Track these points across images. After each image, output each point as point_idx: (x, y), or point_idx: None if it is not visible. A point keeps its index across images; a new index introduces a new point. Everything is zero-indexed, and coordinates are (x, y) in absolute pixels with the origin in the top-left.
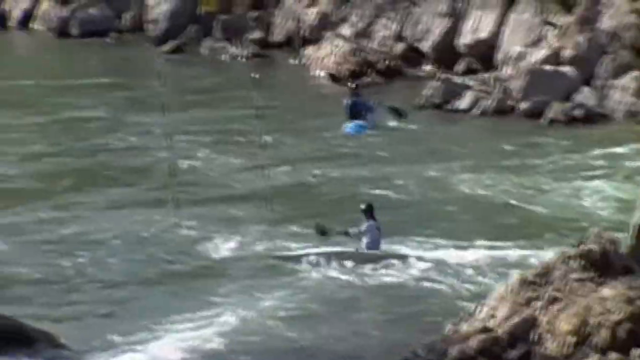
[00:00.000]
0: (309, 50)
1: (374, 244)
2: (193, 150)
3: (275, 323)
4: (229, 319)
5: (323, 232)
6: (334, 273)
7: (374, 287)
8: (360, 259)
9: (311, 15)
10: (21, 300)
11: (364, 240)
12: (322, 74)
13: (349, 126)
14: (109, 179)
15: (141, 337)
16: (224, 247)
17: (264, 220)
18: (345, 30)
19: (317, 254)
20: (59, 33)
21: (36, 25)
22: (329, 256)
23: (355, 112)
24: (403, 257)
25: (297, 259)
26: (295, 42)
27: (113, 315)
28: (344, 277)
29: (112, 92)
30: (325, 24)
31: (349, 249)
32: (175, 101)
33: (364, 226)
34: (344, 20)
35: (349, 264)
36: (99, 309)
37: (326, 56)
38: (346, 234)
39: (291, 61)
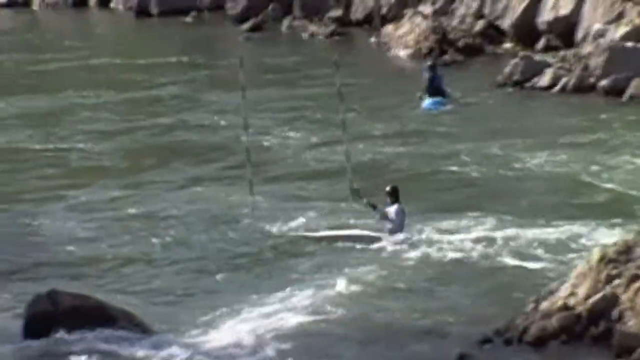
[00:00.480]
0: (389, 29)
1: (399, 228)
2: (270, 128)
3: (354, 300)
4: (308, 296)
5: (357, 194)
6: (408, 252)
7: (449, 264)
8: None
9: None
10: (100, 279)
11: (389, 224)
12: (402, 52)
13: (427, 102)
14: (186, 157)
15: (220, 316)
16: (298, 225)
17: (339, 197)
18: (425, 8)
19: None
20: (138, 12)
21: (115, 4)
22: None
23: (434, 87)
24: (477, 235)
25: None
26: (375, 20)
27: (191, 295)
28: (416, 254)
29: (191, 70)
30: (405, 2)
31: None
32: (254, 79)
33: (392, 210)
34: None
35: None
36: (177, 288)
37: (406, 34)
38: (374, 207)
39: (371, 39)
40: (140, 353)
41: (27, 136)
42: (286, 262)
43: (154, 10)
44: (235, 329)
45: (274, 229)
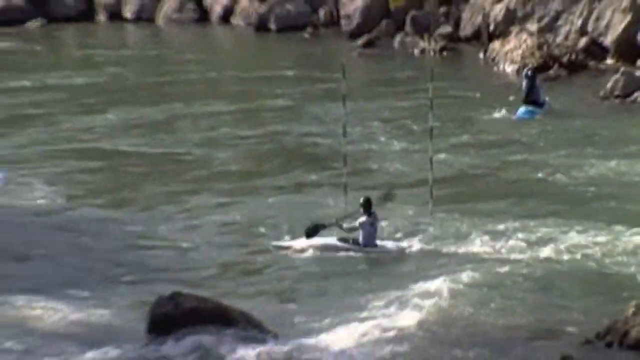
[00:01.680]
0: (496, 44)
1: (368, 240)
2: (369, 138)
3: (457, 302)
4: (415, 299)
5: (310, 234)
6: (504, 258)
7: (547, 270)
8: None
9: (498, 10)
10: (217, 282)
11: (360, 236)
12: (508, 67)
13: (521, 111)
14: (289, 164)
15: (333, 318)
16: (388, 232)
17: (424, 205)
18: (531, 25)
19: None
20: (258, 27)
21: (236, 20)
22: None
23: (531, 96)
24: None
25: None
26: (483, 37)
27: (304, 297)
28: (513, 258)
29: (305, 83)
30: (512, 19)
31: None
32: (361, 92)
33: (357, 221)
34: (529, 15)
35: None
36: (290, 291)
37: (512, 50)
38: (339, 226)
39: (479, 55)
40: (258, 353)
41: (145, 143)
42: (389, 265)
43: (273, 26)
44: (348, 330)
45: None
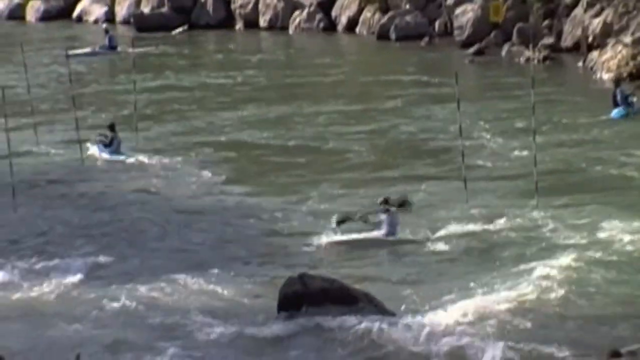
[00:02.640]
0: (594, 54)
1: (390, 231)
2: (479, 137)
3: (565, 283)
4: (526, 281)
5: (340, 222)
6: (602, 247)
7: None
8: None
9: (596, 24)
10: (337, 265)
11: (384, 230)
12: (605, 75)
13: (614, 112)
14: (408, 157)
15: (449, 298)
16: (498, 222)
17: (525, 194)
18: (626, 37)
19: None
20: (379, 36)
21: (360, 29)
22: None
23: (620, 101)
24: None
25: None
26: (582, 47)
27: (422, 278)
28: (610, 248)
29: (420, 86)
30: (609, 32)
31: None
32: (472, 95)
33: (383, 217)
34: (624, 28)
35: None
36: (407, 273)
37: (609, 60)
38: (365, 221)
39: (578, 64)
40: (379, 331)
41: (276, 136)
42: (496, 250)
43: (393, 35)
44: (461, 309)
45: (486, 222)
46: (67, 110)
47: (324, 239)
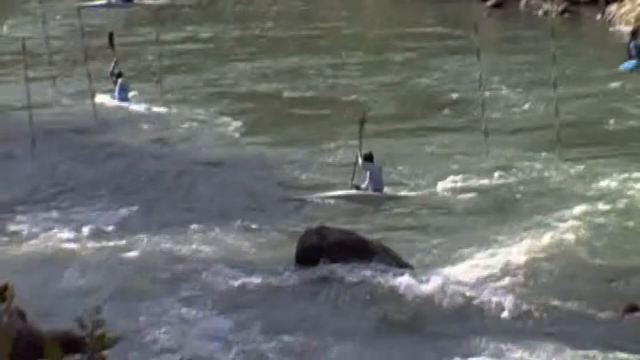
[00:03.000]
0: (613, 7)
1: (377, 185)
2: (499, 88)
3: (581, 243)
4: (542, 237)
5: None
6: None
7: None
8: None
9: None
10: (358, 217)
11: (369, 185)
12: (623, 28)
13: (624, 64)
14: (428, 109)
15: (465, 252)
16: (518, 174)
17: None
18: None
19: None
20: None
21: None
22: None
23: (633, 52)
24: None
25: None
26: (601, 0)
27: (438, 232)
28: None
29: (439, 39)
30: None
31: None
32: (491, 47)
33: (367, 173)
34: None
35: None
36: (424, 226)
37: (627, 12)
38: (357, 187)
39: (597, 16)
40: (396, 283)
41: (293, 87)
42: (523, 200)
43: None
44: (481, 262)
45: (506, 173)
46: (82, 62)
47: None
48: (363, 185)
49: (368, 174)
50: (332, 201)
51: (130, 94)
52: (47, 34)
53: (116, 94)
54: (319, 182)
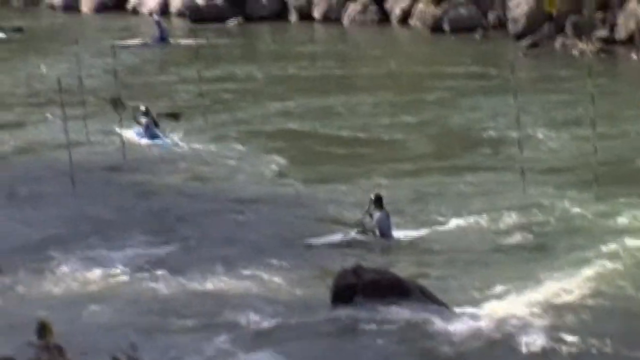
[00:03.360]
0: None
1: (386, 231)
2: (535, 127)
3: (622, 280)
4: (583, 274)
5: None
6: None
7: None
8: None
9: None
10: (389, 257)
11: (376, 229)
12: None
13: None
14: (463, 148)
15: (502, 290)
16: (555, 213)
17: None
18: None
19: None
20: (433, 29)
21: (413, 22)
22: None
23: None
24: None
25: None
26: (636, 39)
27: (474, 269)
28: None
29: (475, 78)
30: None
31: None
32: (527, 87)
33: (375, 217)
34: None
35: None
36: (462, 264)
37: None
38: (362, 231)
39: (632, 56)
40: (431, 322)
41: (329, 126)
42: (559, 239)
43: (446, 27)
44: (516, 301)
45: (542, 212)
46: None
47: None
48: (368, 220)
49: (376, 215)
50: (368, 239)
51: (160, 130)
52: (82, 73)
53: (142, 131)
54: (352, 221)
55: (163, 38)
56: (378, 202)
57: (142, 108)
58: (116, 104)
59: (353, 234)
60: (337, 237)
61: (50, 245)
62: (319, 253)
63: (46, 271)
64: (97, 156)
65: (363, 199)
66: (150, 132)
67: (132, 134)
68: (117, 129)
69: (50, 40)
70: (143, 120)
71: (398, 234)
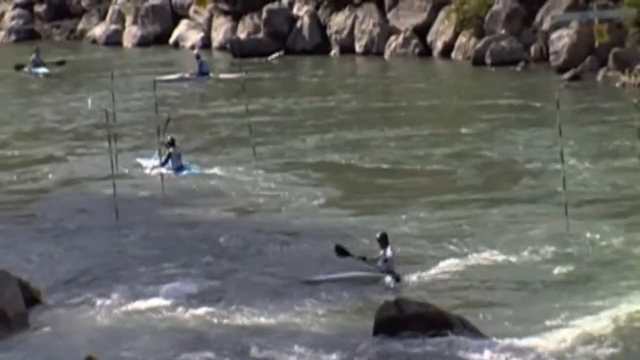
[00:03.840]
0: None
1: (391, 268)
2: (579, 160)
3: None
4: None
5: (339, 251)
6: None
7: None
8: None
9: None
10: (431, 289)
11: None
12: None
13: None
14: (505, 180)
15: (544, 323)
16: (599, 246)
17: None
18: None
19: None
20: (475, 62)
21: (455, 55)
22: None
23: None
24: None
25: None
26: None
27: (514, 302)
28: None
29: (515, 111)
30: None
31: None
32: (570, 120)
33: (381, 253)
34: None
35: None
36: (495, 298)
37: None
38: (364, 259)
39: None
40: (474, 356)
41: (366, 159)
42: (604, 272)
43: (488, 60)
44: (560, 334)
45: (586, 245)
46: (152, 135)
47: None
48: (379, 263)
49: (388, 254)
50: (409, 271)
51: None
52: (122, 107)
53: (169, 164)
54: (407, 251)
55: (203, 72)
56: (383, 240)
57: (169, 138)
58: (167, 122)
59: (359, 272)
60: (344, 275)
61: (93, 278)
62: (360, 286)
63: (89, 303)
64: (139, 188)
65: (403, 231)
66: (176, 163)
67: (156, 164)
68: (151, 161)
69: (91, 74)
70: (170, 150)
71: (442, 265)
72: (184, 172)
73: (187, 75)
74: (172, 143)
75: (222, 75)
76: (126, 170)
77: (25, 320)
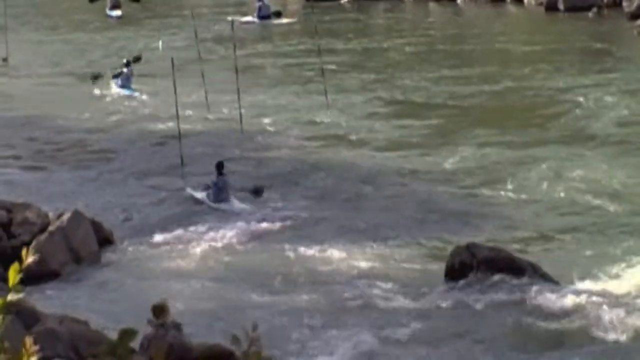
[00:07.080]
0: None
1: (222, 197)
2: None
3: None
4: None
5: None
6: None
7: None
8: None
9: None
10: (502, 234)
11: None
12: None
13: None
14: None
15: (612, 268)
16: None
17: None
18: None
19: None
20: (547, 7)
21: (528, 0)
22: None
23: None
24: None
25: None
26: None
27: (579, 247)
28: None
29: (587, 56)
30: None
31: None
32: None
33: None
34: None
35: None
36: (566, 241)
37: None
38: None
39: None
40: (545, 301)
41: (449, 96)
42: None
43: (561, 6)
44: (632, 280)
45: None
46: (230, 79)
47: None
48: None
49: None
50: (479, 217)
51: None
52: (199, 48)
53: (119, 82)
54: (469, 196)
55: (262, 16)
56: (218, 168)
57: (124, 60)
58: (96, 78)
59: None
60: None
61: (163, 221)
62: (434, 229)
63: (159, 246)
64: (209, 130)
65: (484, 173)
66: (124, 82)
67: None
68: (239, 109)
69: (166, 15)
70: (124, 70)
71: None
72: (125, 91)
73: (244, 19)
74: (127, 64)
75: (276, 21)
76: (199, 112)
77: (97, 259)
